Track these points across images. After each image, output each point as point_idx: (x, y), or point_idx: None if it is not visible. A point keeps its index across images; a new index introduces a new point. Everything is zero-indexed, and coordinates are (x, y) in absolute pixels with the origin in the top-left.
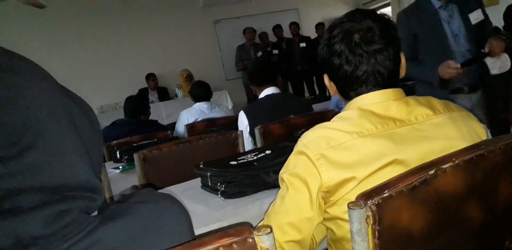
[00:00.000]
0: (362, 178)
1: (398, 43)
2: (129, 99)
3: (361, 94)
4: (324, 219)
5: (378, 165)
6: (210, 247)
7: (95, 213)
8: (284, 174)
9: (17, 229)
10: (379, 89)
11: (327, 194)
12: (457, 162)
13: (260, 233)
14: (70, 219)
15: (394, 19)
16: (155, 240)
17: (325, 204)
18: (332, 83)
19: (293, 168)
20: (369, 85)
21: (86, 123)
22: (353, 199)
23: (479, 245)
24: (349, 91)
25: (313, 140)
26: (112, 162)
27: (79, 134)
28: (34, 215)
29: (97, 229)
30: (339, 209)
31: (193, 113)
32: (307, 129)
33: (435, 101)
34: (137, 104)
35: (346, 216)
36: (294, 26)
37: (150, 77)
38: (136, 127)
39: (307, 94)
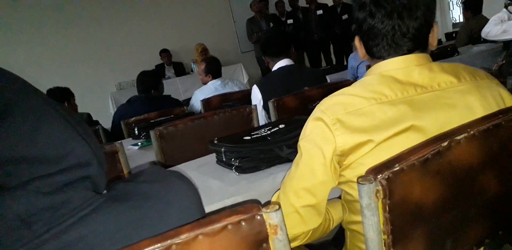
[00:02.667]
0: (378, 141)
1: (430, 9)
2: (141, 75)
3: (384, 53)
4: (339, 183)
5: (394, 130)
6: (218, 225)
7: (105, 191)
8: (301, 140)
9: (11, 206)
10: (401, 54)
11: (341, 158)
12: (472, 132)
13: (268, 210)
14: (72, 193)
15: None
16: (162, 219)
17: (340, 168)
18: (361, 44)
19: (309, 134)
20: (391, 44)
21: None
22: (367, 163)
23: (494, 218)
24: (372, 47)
25: (330, 106)
26: (131, 138)
27: (56, 109)
28: (24, 188)
29: (101, 208)
30: (353, 173)
31: (206, 92)
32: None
33: (462, 69)
34: (147, 79)
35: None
36: None
37: (163, 53)
38: (151, 103)
39: (324, 64)
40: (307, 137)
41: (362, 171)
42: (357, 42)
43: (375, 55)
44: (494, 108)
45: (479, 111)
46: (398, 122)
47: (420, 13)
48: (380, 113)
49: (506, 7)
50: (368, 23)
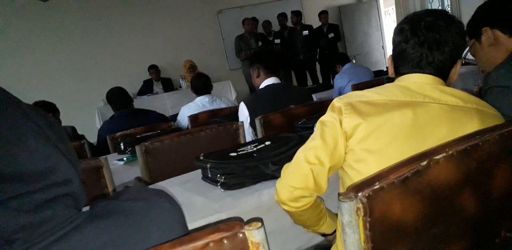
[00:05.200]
0: (368, 124)
1: (458, 47)
2: (116, 91)
3: (407, 72)
4: (342, 168)
5: (386, 116)
6: (200, 242)
7: (87, 208)
8: (320, 119)
9: None
10: (422, 72)
11: (347, 136)
12: (450, 152)
13: (251, 228)
14: (53, 211)
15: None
16: (144, 237)
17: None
18: (392, 63)
19: (326, 114)
20: (416, 67)
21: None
22: (358, 151)
23: (473, 236)
24: (400, 66)
25: (348, 95)
26: (116, 153)
27: (38, 124)
28: (4, 206)
29: (82, 226)
30: (351, 157)
31: (193, 108)
32: (307, 119)
33: (470, 96)
34: (125, 94)
35: (355, 165)
36: (293, 14)
37: (152, 68)
38: (135, 117)
39: (310, 83)
40: (324, 116)
41: (360, 155)
42: (389, 61)
43: (400, 72)
44: None
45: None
46: (393, 115)
47: (447, 49)
48: (387, 107)
49: None
50: (401, 47)
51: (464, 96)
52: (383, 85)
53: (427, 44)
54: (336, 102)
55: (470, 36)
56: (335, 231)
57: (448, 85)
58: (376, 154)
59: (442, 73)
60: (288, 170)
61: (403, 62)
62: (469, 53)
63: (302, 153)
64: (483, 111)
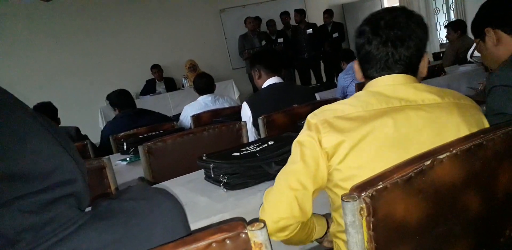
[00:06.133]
0: (352, 143)
1: (422, 41)
2: (120, 93)
3: (376, 74)
4: (328, 188)
5: (367, 129)
6: (203, 243)
7: (89, 208)
8: (295, 139)
9: None
10: (391, 73)
11: (328, 156)
12: (454, 151)
13: (253, 228)
14: (56, 212)
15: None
16: (146, 237)
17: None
18: (359, 67)
19: (302, 133)
20: (384, 68)
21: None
22: (345, 170)
23: (477, 235)
24: (367, 69)
25: (322, 111)
26: (119, 154)
27: (42, 123)
28: (8, 207)
29: (85, 227)
30: (337, 176)
31: (196, 107)
32: None
33: (446, 91)
34: (129, 95)
35: (342, 184)
36: (297, 13)
37: (154, 68)
38: (138, 118)
39: (314, 81)
40: (301, 135)
41: (347, 174)
42: (356, 65)
43: (369, 76)
44: (473, 126)
45: (461, 128)
46: (374, 127)
47: (412, 43)
48: (365, 119)
49: None
50: (365, 49)
51: (439, 92)
52: (356, 95)
53: (390, 42)
54: (311, 119)
55: (475, 36)
56: (326, 232)
57: (419, 80)
58: (364, 169)
59: (412, 69)
60: (270, 197)
61: (370, 64)
62: (475, 52)
63: (283, 178)
64: (461, 104)
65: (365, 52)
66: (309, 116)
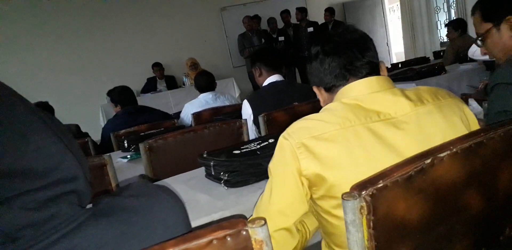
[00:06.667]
0: (331, 170)
1: (370, 50)
2: (122, 89)
3: (343, 80)
4: (317, 212)
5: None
6: (203, 240)
7: (90, 205)
8: (270, 164)
9: None
10: (361, 77)
11: (310, 183)
12: (454, 150)
13: (254, 225)
14: (57, 209)
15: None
16: (147, 234)
17: (312, 196)
18: (321, 89)
19: (276, 157)
20: (350, 73)
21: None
22: (336, 196)
23: (477, 234)
24: (331, 80)
25: (296, 130)
26: (120, 151)
27: (44, 120)
28: (9, 204)
29: (86, 224)
30: (327, 204)
31: (196, 105)
32: None
33: (424, 91)
34: (131, 92)
35: (334, 211)
36: (298, 11)
37: (156, 66)
38: (138, 115)
39: None
40: (275, 159)
41: (335, 202)
42: (316, 90)
43: (336, 84)
44: (458, 124)
45: (446, 131)
46: (354, 149)
47: (362, 41)
48: (343, 141)
49: None
50: (326, 64)
51: (417, 94)
52: (331, 108)
53: (344, 46)
54: (285, 140)
55: (487, 18)
56: None
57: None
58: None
59: (375, 68)
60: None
61: (334, 72)
62: (475, 52)
63: (267, 214)
64: (441, 104)
65: (328, 67)
66: (282, 138)
